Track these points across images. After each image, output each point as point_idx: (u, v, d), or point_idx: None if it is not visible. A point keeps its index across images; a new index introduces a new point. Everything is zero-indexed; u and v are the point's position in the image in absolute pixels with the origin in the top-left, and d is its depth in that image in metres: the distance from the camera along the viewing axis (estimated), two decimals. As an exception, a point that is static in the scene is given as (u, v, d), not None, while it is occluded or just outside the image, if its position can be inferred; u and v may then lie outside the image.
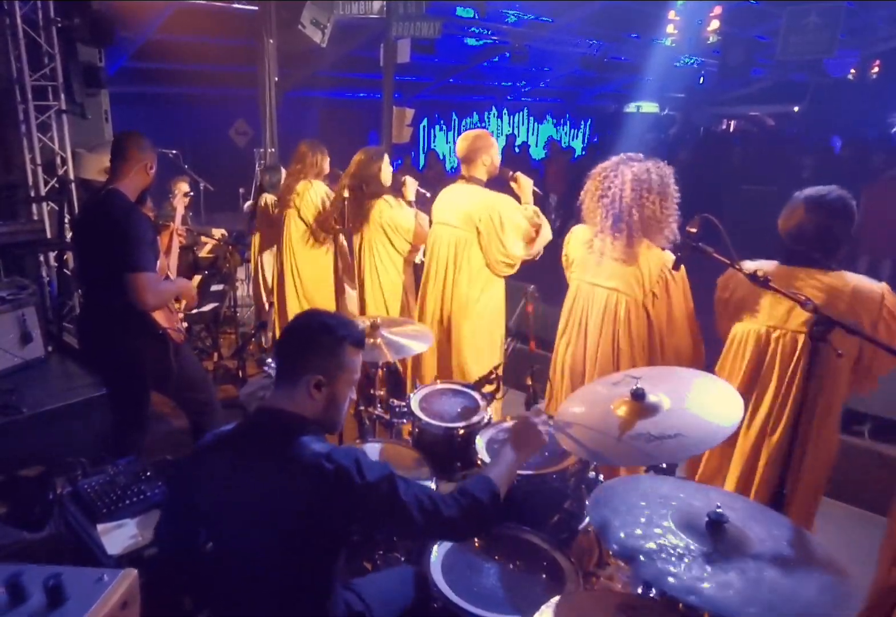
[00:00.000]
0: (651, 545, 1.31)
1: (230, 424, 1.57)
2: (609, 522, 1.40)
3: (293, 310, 4.23)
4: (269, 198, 4.61)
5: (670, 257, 2.38)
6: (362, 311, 3.80)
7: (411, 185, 3.67)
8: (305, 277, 4.22)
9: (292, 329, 1.55)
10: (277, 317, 4.42)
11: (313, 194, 4.05)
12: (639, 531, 1.35)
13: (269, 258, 4.85)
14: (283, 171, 4.64)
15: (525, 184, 3.13)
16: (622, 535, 1.35)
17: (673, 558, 1.27)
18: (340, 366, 1.51)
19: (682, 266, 2.30)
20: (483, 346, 3.21)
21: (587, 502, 1.56)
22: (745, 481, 2.19)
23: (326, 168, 4.17)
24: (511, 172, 3.15)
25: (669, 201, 2.39)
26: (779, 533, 1.38)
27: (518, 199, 3.13)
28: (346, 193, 3.55)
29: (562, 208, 9.80)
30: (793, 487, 2.06)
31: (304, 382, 1.47)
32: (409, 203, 3.66)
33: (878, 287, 2.01)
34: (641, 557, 1.29)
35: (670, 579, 1.23)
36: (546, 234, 3.10)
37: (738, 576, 1.24)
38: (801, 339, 2.03)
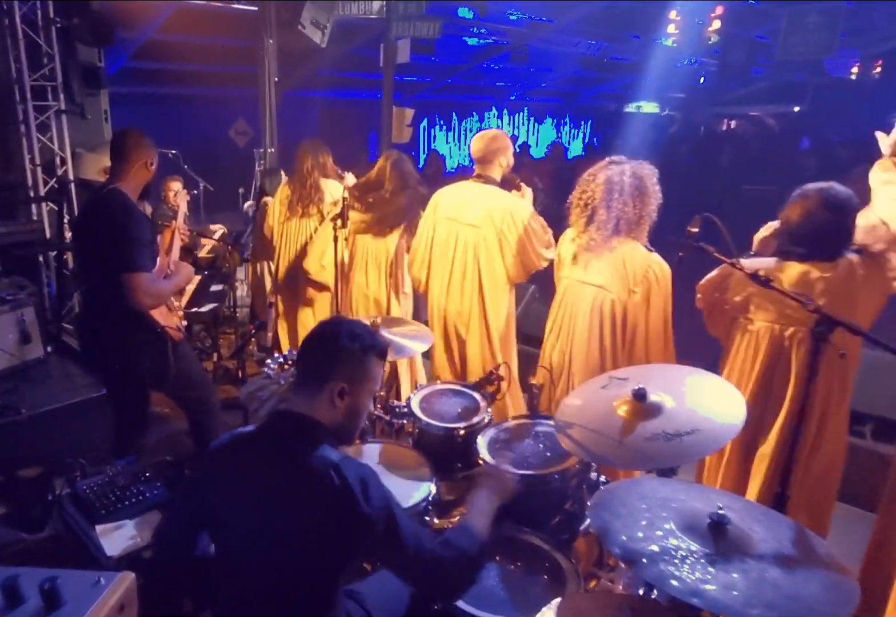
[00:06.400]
0: (653, 548, 1.30)
1: (247, 427, 1.55)
2: (610, 525, 1.39)
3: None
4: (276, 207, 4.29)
5: (656, 259, 2.41)
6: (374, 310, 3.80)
7: None
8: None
9: (319, 336, 1.52)
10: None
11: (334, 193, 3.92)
12: (640, 534, 1.35)
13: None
14: (284, 176, 4.58)
15: (528, 195, 3.18)
16: (624, 538, 1.34)
17: (676, 560, 1.27)
18: (365, 375, 1.50)
19: (670, 271, 2.34)
20: (511, 324, 3.23)
21: (588, 503, 1.55)
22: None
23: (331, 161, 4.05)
24: (517, 179, 3.17)
25: (646, 202, 2.41)
26: (780, 533, 1.38)
27: None
28: (346, 194, 3.53)
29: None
30: (805, 490, 2.04)
31: (328, 390, 1.45)
32: None
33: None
34: (644, 560, 1.28)
35: (673, 582, 1.22)
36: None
37: (742, 577, 1.23)
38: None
